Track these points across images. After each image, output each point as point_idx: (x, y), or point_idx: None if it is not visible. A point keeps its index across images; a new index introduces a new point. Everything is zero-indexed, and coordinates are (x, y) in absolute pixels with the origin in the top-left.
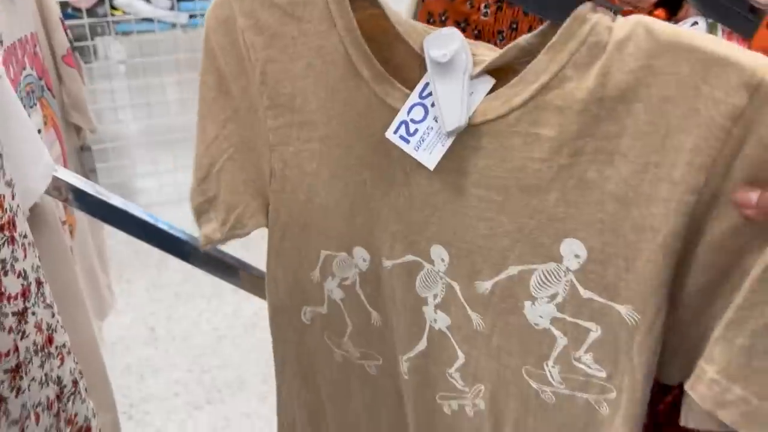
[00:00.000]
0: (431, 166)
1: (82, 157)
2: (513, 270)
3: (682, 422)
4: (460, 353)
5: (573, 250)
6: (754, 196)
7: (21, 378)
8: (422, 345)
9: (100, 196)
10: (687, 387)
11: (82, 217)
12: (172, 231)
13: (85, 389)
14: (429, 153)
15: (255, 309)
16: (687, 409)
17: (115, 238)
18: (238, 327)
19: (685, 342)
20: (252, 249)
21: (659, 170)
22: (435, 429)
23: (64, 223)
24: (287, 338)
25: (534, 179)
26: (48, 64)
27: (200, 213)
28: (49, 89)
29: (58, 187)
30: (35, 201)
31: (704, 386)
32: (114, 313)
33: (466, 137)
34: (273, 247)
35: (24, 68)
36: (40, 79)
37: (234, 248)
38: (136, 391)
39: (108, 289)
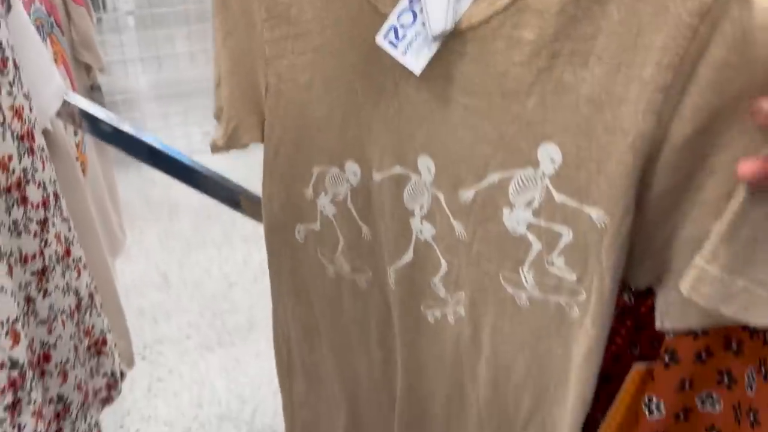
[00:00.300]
0: (417, 70)
1: (92, 95)
2: (493, 177)
3: (658, 326)
4: (443, 262)
5: (549, 155)
6: (766, 104)
7: (47, 281)
8: (409, 256)
9: (111, 122)
10: (685, 290)
11: (93, 157)
12: (179, 157)
13: (101, 305)
14: (416, 58)
15: (264, 257)
16: (663, 313)
17: (127, 188)
18: (248, 274)
19: (651, 246)
20: None
21: (630, 70)
22: (419, 338)
23: (75, 159)
24: (282, 256)
25: (515, 84)
26: (56, 1)
27: (217, 118)
28: (58, 26)
29: (71, 114)
30: (48, 122)
31: (708, 286)
32: (127, 260)
33: (453, 43)
34: (268, 165)
35: (33, 2)
36: (49, 15)
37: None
38: (149, 334)
39: (119, 228)
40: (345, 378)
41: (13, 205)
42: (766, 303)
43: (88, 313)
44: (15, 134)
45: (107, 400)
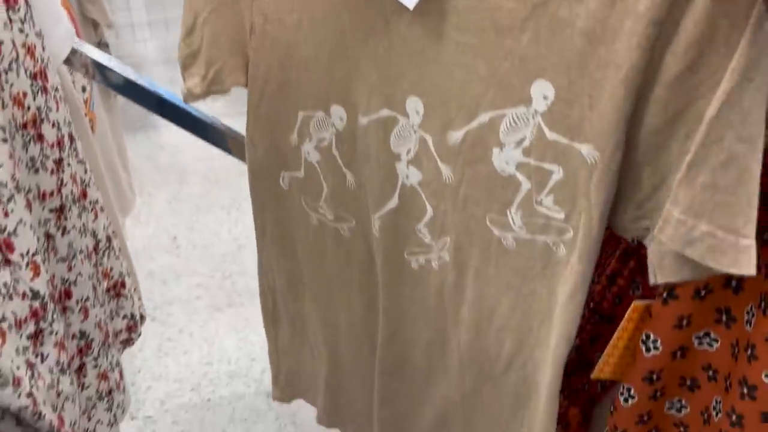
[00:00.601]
0: (411, 5)
1: None
2: (484, 117)
3: (651, 281)
4: (428, 207)
5: (542, 91)
6: None
7: (65, 219)
8: (394, 202)
9: (121, 71)
10: (656, 232)
11: (102, 115)
12: (188, 108)
13: (119, 249)
14: None
15: None
16: (656, 267)
17: (136, 154)
18: None
19: (637, 191)
20: None
21: (625, 4)
22: (402, 284)
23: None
24: (266, 205)
25: (509, 19)
26: None
27: (185, 67)
28: None
29: (84, 64)
30: (59, 65)
31: (671, 227)
32: (136, 224)
33: None
34: (252, 109)
35: None
36: None
37: None
38: (159, 295)
39: (129, 187)
40: (327, 326)
41: (29, 141)
42: (732, 248)
43: (105, 256)
44: (28, 72)
45: (128, 342)
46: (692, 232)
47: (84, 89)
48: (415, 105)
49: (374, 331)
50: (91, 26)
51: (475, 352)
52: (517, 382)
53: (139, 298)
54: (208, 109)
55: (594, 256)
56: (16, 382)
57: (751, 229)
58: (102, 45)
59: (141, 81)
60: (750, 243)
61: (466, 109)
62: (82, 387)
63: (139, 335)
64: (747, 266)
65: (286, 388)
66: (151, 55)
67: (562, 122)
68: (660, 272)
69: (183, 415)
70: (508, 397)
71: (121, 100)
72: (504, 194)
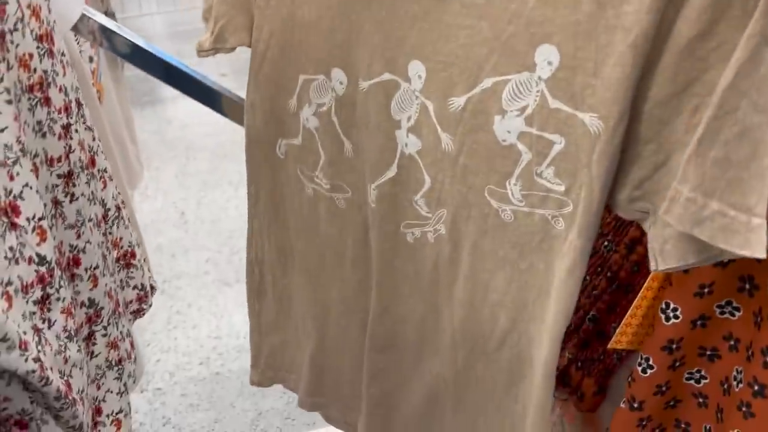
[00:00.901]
0: None
1: None
2: (487, 82)
3: (652, 267)
4: (426, 178)
5: (547, 57)
6: None
7: (74, 185)
8: (392, 171)
9: (129, 38)
10: (662, 212)
11: (109, 86)
12: (195, 75)
13: (128, 218)
14: None
15: None
16: (658, 252)
17: (144, 128)
18: None
19: (638, 168)
20: None
21: None
22: (397, 258)
23: (91, 85)
24: (261, 173)
25: None
26: None
27: (204, 20)
28: None
29: (91, 30)
30: (68, 29)
31: (680, 206)
32: (144, 198)
33: None
34: (253, 71)
35: None
36: None
37: None
38: (167, 269)
39: (137, 160)
40: (316, 301)
41: (36, 105)
42: (744, 228)
43: (115, 225)
44: (34, 33)
45: (138, 312)
46: (702, 211)
47: (91, 59)
48: (417, 69)
49: (365, 306)
50: None
51: (469, 329)
52: (511, 358)
53: (149, 269)
54: (217, 82)
55: (593, 233)
56: (23, 346)
57: (764, 207)
58: (109, 14)
59: (148, 47)
60: (761, 222)
61: (468, 74)
62: (91, 355)
63: (150, 306)
64: (758, 247)
65: (266, 370)
66: (158, 28)
67: (566, 90)
68: (662, 258)
69: (192, 388)
70: (501, 373)
71: (128, 74)
72: (504, 165)
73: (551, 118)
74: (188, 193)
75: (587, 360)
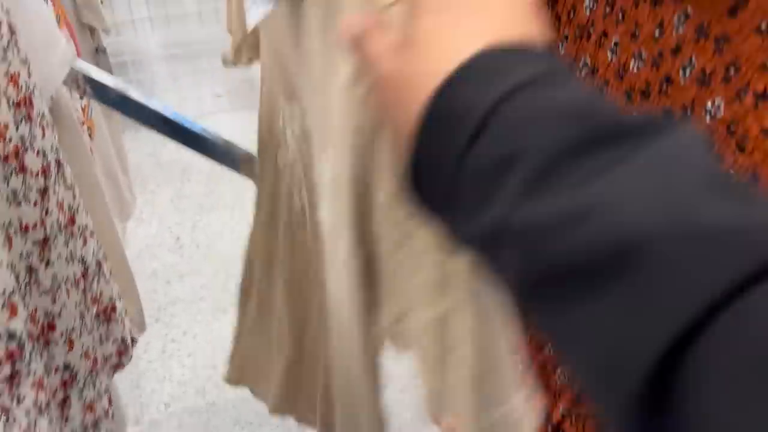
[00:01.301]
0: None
1: (97, 58)
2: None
3: None
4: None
5: None
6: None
7: (49, 250)
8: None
9: (118, 88)
10: None
11: (101, 121)
12: (188, 124)
13: (110, 272)
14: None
15: None
16: None
17: (138, 151)
18: None
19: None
20: None
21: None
22: None
23: (82, 124)
24: (265, 180)
25: None
26: None
27: (229, 31)
28: None
29: (75, 80)
30: (54, 90)
31: None
32: (139, 222)
33: None
34: (263, 82)
35: None
36: None
37: None
38: (162, 296)
39: (129, 191)
40: (296, 310)
41: (11, 173)
42: None
43: (95, 281)
44: (11, 101)
45: (118, 366)
46: None
47: (82, 96)
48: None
49: None
50: (88, 32)
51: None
52: None
53: (131, 320)
54: (213, 103)
55: None
56: None
57: None
58: (100, 51)
59: (138, 97)
60: None
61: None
62: (66, 419)
63: (130, 358)
64: None
65: (237, 369)
66: (153, 51)
67: None
68: None
69: (187, 419)
70: None
71: None
72: None
73: None
74: (183, 216)
75: (581, 415)
